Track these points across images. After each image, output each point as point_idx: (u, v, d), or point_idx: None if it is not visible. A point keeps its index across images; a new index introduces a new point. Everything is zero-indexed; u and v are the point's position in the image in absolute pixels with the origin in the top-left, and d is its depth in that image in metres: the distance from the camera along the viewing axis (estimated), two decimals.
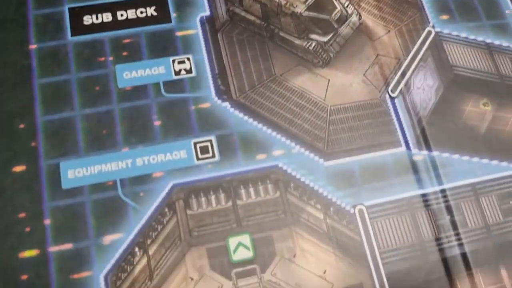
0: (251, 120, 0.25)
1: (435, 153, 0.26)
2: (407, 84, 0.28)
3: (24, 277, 0.22)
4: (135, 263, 0.23)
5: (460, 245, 0.25)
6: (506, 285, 0.25)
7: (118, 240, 0.23)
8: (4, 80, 0.25)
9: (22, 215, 0.23)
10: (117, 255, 0.23)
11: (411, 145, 0.26)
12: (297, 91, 0.26)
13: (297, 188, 0.25)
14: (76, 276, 0.22)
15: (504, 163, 0.27)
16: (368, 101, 0.27)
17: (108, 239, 0.23)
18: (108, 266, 0.22)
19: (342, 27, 0.28)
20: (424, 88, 0.28)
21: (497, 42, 0.30)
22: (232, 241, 0.23)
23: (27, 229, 0.23)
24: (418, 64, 0.28)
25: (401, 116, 0.27)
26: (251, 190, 0.24)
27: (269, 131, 0.25)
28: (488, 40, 0.30)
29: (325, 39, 0.27)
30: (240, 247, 0.23)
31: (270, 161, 0.25)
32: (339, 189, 0.25)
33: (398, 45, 0.29)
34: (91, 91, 0.25)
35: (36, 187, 0.23)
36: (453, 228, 0.25)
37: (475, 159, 0.27)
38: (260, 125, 0.25)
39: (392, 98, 0.27)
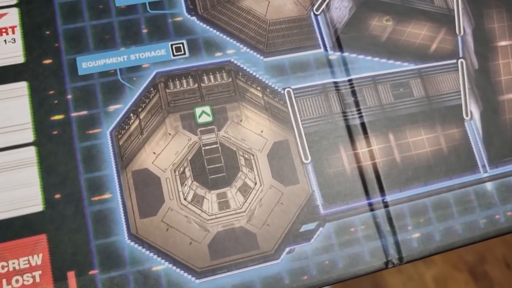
0: (211, 29, 0.35)
1: (345, 54, 0.36)
2: (327, 5, 0.37)
3: (55, 132, 0.32)
4: (130, 123, 0.32)
5: (360, 117, 0.35)
6: (392, 145, 0.35)
7: (119, 108, 0.33)
8: (32, 1, 0.34)
9: (51, 92, 0.32)
10: (118, 118, 0.32)
11: (328, 48, 0.36)
12: (245, 9, 0.36)
13: (244, 76, 0.34)
14: (90, 131, 0.32)
15: (398, 62, 0.37)
16: (298, 17, 0.36)
17: (112, 108, 0.33)
18: (112, 125, 0.32)
19: None
20: (341, 8, 0.37)
21: None
22: (198, 110, 0.33)
23: (56, 102, 0.32)
24: None
25: (322, 27, 0.36)
26: (211, 76, 0.34)
27: (225, 36, 0.35)
28: None
29: None
30: (203, 114, 0.33)
31: (225, 57, 0.34)
32: (273, 77, 0.35)
33: None
34: (96, 9, 0.34)
35: (60, 73, 0.33)
36: (356, 105, 0.35)
37: (376, 59, 0.36)
38: (218, 33, 0.35)
39: (316, 15, 0.37)
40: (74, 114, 0.32)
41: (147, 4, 0.35)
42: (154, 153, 0.32)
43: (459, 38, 0.38)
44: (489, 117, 0.36)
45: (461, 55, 0.37)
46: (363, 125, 0.35)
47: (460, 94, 0.36)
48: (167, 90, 0.33)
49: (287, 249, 0.31)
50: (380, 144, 0.34)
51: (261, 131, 0.33)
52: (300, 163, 0.33)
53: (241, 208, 0.32)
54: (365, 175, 0.33)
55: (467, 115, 0.36)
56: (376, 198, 0.33)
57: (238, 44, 0.35)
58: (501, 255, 1.04)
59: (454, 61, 0.37)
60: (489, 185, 0.35)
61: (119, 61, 0.33)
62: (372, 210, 0.33)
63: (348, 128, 0.34)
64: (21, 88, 0.32)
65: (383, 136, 0.35)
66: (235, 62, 0.34)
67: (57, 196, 0.31)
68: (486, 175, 0.35)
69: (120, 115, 0.32)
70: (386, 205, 0.33)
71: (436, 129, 0.35)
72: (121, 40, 0.34)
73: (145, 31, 0.34)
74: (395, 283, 1.00)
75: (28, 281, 0.29)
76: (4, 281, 0.29)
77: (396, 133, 0.35)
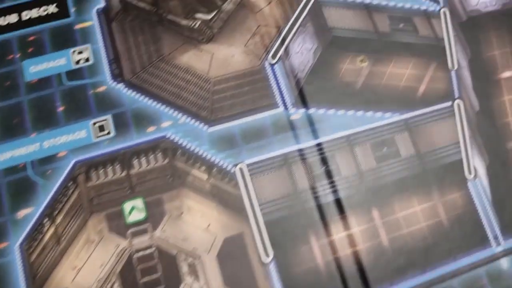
0: (142, 97, 0.26)
1: (311, 111, 0.26)
2: (286, 50, 0.27)
3: None
4: (44, 232, 0.24)
5: (334, 192, 0.25)
6: (377, 224, 0.25)
7: (29, 213, 0.24)
8: None
9: None
10: (28, 227, 0.24)
11: (288, 105, 0.26)
12: (183, 67, 0.27)
13: (184, 154, 0.25)
14: None
15: (379, 114, 0.27)
16: (249, 69, 0.27)
17: (21, 213, 0.24)
18: (22, 236, 0.24)
19: (225, 4, 0.28)
20: (303, 52, 0.27)
21: (375, 1, 0.29)
22: (127, 206, 0.24)
23: None
24: (298, 29, 0.28)
25: (280, 79, 0.27)
26: (143, 159, 0.25)
27: (158, 105, 0.26)
28: (367, 0, 0.29)
29: (209, 16, 0.27)
30: (134, 210, 0.24)
31: (159, 132, 0.25)
32: (221, 151, 0.25)
33: (279, 14, 0.28)
34: (1, 87, 0.26)
35: None
36: (328, 177, 0.26)
37: (350, 112, 0.27)
38: (150, 101, 0.26)
39: (272, 65, 0.27)
40: None
41: (63, 75, 0.26)
42: (75, 267, 0.23)
43: (453, 73, 0.28)
44: (497, 171, 0.26)
45: (457, 95, 0.27)
46: (338, 201, 0.25)
47: (460, 147, 0.26)
48: (89, 183, 0.25)
49: None
50: (362, 224, 0.25)
51: (208, 225, 0.24)
52: (259, 263, 0.24)
53: None
54: (344, 270, 0.24)
55: (470, 173, 0.26)
56: None
57: (175, 113, 0.26)
58: None
59: (449, 103, 0.27)
60: (505, 262, 0.25)
61: (29, 152, 0.25)
62: None
63: (320, 209, 0.25)
64: None
65: (364, 214, 0.25)
66: (172, 137, 0.25)
67: None
68: (500, 248, 0.25)
69: (31, 223, 0.24)
70: None
71: (433, 196, 0.26)
72: (32, 123, 0.25)
73: (61, 109, 0.25)
74: None
75: None
76: None
77: (381, 208, 0.25)
